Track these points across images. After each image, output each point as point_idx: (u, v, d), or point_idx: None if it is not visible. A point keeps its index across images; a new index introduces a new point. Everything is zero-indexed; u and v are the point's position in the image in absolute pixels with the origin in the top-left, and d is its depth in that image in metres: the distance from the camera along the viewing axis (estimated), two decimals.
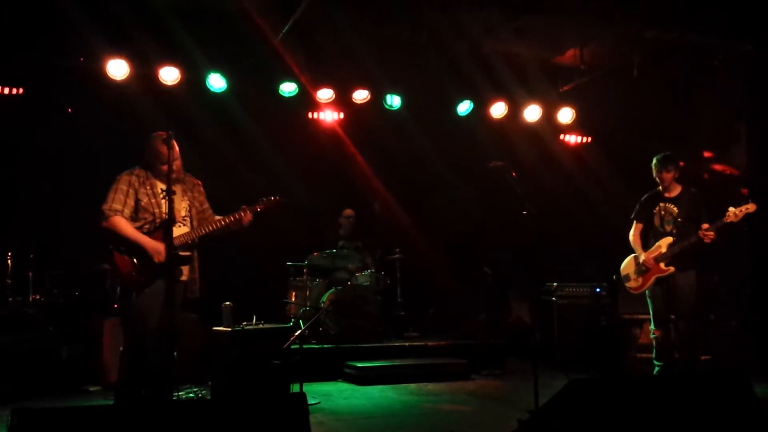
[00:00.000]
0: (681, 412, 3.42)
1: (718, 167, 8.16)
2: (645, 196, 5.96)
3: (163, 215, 4.32)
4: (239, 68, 7.47)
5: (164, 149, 4.22)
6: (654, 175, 5.81)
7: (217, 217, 4.60)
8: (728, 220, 5.40)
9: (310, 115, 8.40)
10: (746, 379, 3.61)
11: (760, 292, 7.35)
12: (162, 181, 4.38)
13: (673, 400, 3.47)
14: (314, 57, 7.67)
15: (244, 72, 7.54)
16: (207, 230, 4.49)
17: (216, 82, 7.37)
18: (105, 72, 6.91)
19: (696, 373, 5.66)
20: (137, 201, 4.35)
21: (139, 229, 4.33)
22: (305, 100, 8.06)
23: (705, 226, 5.46)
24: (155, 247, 4.28)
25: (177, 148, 4.35)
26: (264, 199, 4.59)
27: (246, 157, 7.98)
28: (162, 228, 4.32)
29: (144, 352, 4.20)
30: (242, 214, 4.50)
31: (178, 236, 4.31)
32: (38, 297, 6.48)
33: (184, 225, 4.47)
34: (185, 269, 4.44)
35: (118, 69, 6.92)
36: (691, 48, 7.60)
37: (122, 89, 7.04)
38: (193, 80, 7.32)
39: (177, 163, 4.37)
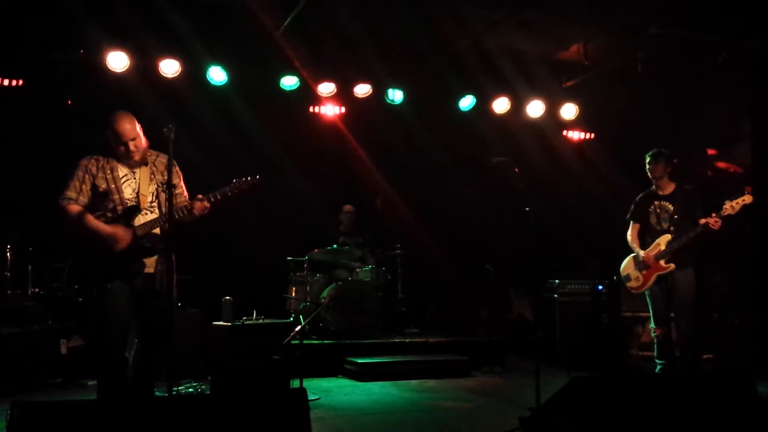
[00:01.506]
0: (683, 411, 3.41)
1: (722, 165, 8.13)
2: (639, 195, 5.95)
3: (126, 202, 3.99)
4: (240, 61, 7.44)
5: (122, 128, 3.96)
6: (646, 170, 5.80)
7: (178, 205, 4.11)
8: (725, 213, 5.37)
9: (311, 109, 8.36)
10: (749, 378, 3.59)
11: (763, 290, 7.31)
12: (123, 165, 4.05)
13: (675, 398, 3.46)
14: (315, 50, 7.64)
15: (245, 65, 7.51)
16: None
17: (216, 75, 7.34)
18: (105, 64, 6.89)
19: (698, 371, 5.64)
20: (95, 187, 3.98)
21: (100, 218, 3.95)
22: (306, 94, 8.02)
23: (702, 221, 5.42)
24: (113, 233, 3.90)
25: (136, 126, 4.03)
26: (234, 181, 4.25)
27: (246, 150, 7.94)
28: (125, 215, 3.97)
29: (110, 348, 3.95)
30: (196, 203, 4.05)
31: (142, 224, 3.98)
32: (37, 290, 6.47)
33: (150, 212, 4.06)
34: (148, 261, 4.00)
35: (118, 61, 6.89)
36: (695, 45, 7.56)
37: (122, 82, 7.00)
38: (194, 73, 7.29)
39: (137, 143, 4.01)
